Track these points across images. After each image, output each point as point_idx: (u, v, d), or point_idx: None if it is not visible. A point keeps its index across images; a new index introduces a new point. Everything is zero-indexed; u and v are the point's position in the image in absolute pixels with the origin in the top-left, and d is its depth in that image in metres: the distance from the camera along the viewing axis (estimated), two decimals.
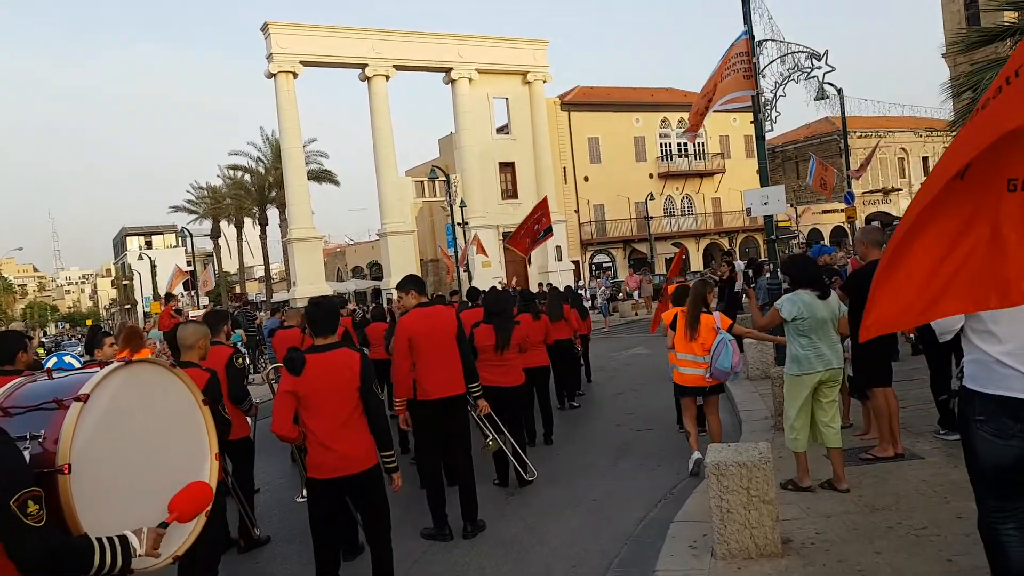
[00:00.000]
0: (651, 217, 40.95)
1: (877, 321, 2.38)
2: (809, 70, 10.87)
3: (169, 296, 17.31)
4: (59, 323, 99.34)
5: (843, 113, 23.37)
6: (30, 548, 2.01)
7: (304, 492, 5.98)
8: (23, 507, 1.99)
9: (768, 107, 10.49)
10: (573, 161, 42.60)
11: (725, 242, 45.87)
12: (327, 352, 4.02)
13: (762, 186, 10.17)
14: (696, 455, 6.65)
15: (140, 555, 2.24)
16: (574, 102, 43.33)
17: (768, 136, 10.46)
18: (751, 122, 10.26)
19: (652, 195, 42.02)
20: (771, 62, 10.61)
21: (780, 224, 33.02)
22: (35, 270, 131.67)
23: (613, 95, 45.41)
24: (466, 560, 5.15)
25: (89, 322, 51.83)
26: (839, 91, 21.97)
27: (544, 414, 8.51)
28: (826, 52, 10.76)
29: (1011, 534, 2.81)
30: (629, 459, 7.40)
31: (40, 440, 2.24)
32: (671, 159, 46.07)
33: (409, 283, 5.68)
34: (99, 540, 2.16)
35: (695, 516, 5.08)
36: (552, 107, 41.31)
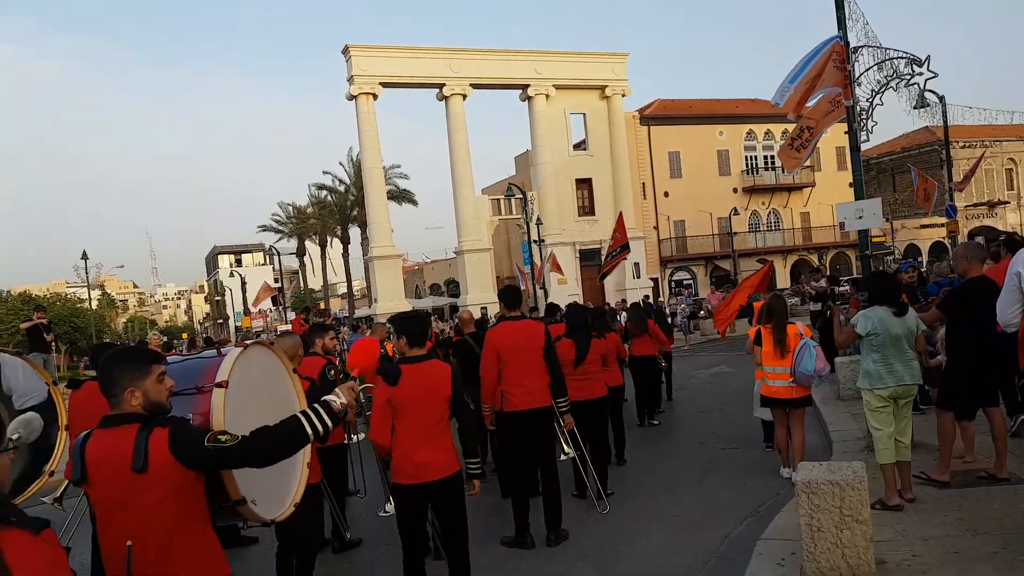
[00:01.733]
0: (735, 233, 39.96)
1: None
2: (908, 77, 10.32)
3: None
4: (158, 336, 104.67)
5: (945, 122, 21.92)
6: (243, 455, 2.41)
7: (387, 507, 6.14)
8: (216, 440, 2.38)
9: (864, 116, 10.07)
10: (652, 176, 42.14)
11: (814, 258, 44.25)
12: (420, 363, 4.19)
13: (857, 199, 9.77)
14: (788, 471, 6.53)
15: (342, 404, 2.67)
16: (654, 116, 42.90)
17: (863, 147, 10.04)
18: (844, 132, 9.84)
19: (736, 210, 40.88)
20: (867, 69, 10.13)
21: (875, 240, 31.54)
22: (135, 286, 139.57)
23: (695, 108, 44.73)
24: (547, 569, 5.17)
25: (185, 335, 54.62)
26: (941, 99, 20.44)
27: (616, 434, 8.15)
28: (927, 57, 10.18)
29: None
30: (714, 477, 7.26)
31: (191, 420, 2.65)
32: (757, 172, 44.94)
33: (500, 295, 6.07)
34: (303, 412, 2.58)
35: (783, 534, 4.94)
36: (631, 121, 41.02)
